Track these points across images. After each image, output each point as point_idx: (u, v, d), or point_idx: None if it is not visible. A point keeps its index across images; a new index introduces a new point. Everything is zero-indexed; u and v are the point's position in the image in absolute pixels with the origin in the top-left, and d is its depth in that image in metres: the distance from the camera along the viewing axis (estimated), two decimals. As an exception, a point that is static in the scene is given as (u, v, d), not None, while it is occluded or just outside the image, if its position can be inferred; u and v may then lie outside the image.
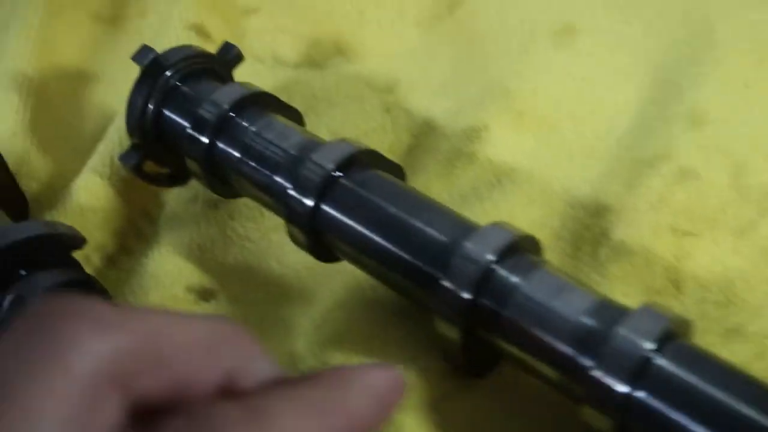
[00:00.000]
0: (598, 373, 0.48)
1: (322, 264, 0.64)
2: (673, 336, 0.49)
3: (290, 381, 0.37)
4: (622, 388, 0.47)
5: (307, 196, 0.59)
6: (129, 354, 0.34)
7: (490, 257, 0.53)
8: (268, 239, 0.70)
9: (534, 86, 0.74)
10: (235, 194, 0.69)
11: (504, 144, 0.71)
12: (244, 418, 0.34)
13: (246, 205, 0.72)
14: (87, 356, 0.33)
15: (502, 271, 0.53)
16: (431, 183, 0.69)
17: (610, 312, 0.51)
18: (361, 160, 0.60)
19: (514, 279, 0.52)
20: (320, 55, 0.83)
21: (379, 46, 0.83)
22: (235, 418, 0.34)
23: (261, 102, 0.66)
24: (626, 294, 0.60)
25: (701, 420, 0.46)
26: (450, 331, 0.54)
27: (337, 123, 0.75)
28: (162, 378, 0.35)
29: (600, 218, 0.65)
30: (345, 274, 0.65)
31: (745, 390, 0.47)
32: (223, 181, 0.67)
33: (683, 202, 0.64)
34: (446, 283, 0.53)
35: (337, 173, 0.59)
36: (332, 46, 0.83)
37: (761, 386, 0.47)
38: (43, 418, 0.32)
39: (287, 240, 0.64)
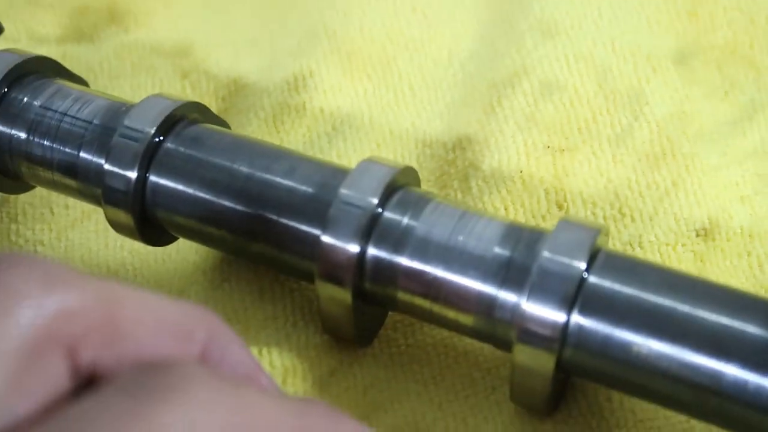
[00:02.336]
0: (529, 306, 0.42)
1: (142, 257, 0.57)
2: (598, 249, 0.44)
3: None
4: (559, 316, 0.42)
5: (128, 168, 0.49)
6: (78, 314, 0.32)
7: (374, 200, 0.45)
8: (66, 239, 0.60)
9: (359, 24, 0.66)
10: (22, 188, 0.57)
11: (335, 89, 0.63)
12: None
13: (30, 204, 0.61)
14: (30, 309, 0.31)
15: (391, 214, 0.46)
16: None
17: (525, 235, 0.45)
18: (185, 117, 0.51)
19: (407, 220, 0.45)
20: (90, 27, 0.71)
21: (160, 9, 0.72)
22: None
23: (40, 70, 0.54)
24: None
25: (648, 332, 0.41)
26: (338, 293, 0.46)
27: (126, 98, 0.59)
28: (119, 352, 0.33)
29: (464, 150, 0.58)
30: (176, 263, 0.57)
31: (690, 290, 0.42)
32: (5, 172, 0.54)
33: (552, 117, 0.59)
34: (328, 239, 0.45)
35: (160, 137, 0.50)
36: (104, 15, 0.72)
37: (706, 284, 0.43)
38: None
39: (93, 236, 0.57)
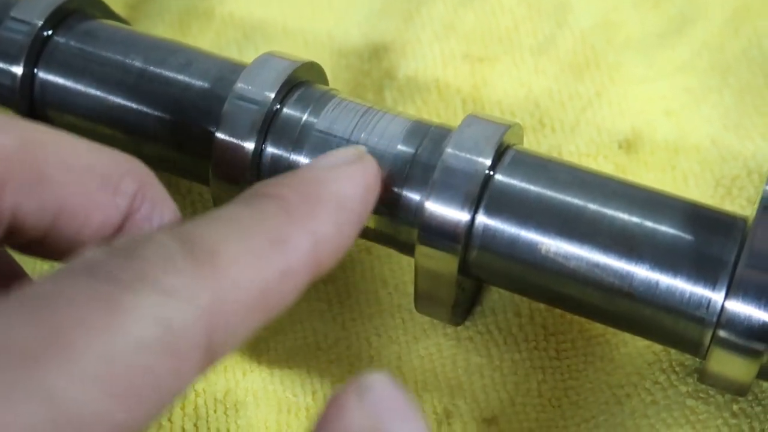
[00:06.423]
0: (431, 205, 0.40)
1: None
2: (506, 146, 0.41)
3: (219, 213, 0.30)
4: (461, 215, 0.39)
5: (13, 63, 0.46)
6: None
7: (271, 95, 0.42)
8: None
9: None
10: None
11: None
12: (184, 251, 0.27)
13: None
14: None
15: (290, 110, 0.43)
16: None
17: (431, 132, 0.42)
18: (81, 11, 0.48)
19: (307, 116, 0.43)
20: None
21: None
22: (171, 251, 0.27)
23: None
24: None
25: (557, 231, 0.39)
26: (234, 195, 0.42)
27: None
28: (41, 197, 0.30)
29: (380, 60, 0.56)
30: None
31: (601, 189, 0.40)
32: None
33: (473, 25, 0.56)
34: (222, 137, 0.42)
35: (49, 30, 0.47)
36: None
37: (619, 183, 0.41)
38: None
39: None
